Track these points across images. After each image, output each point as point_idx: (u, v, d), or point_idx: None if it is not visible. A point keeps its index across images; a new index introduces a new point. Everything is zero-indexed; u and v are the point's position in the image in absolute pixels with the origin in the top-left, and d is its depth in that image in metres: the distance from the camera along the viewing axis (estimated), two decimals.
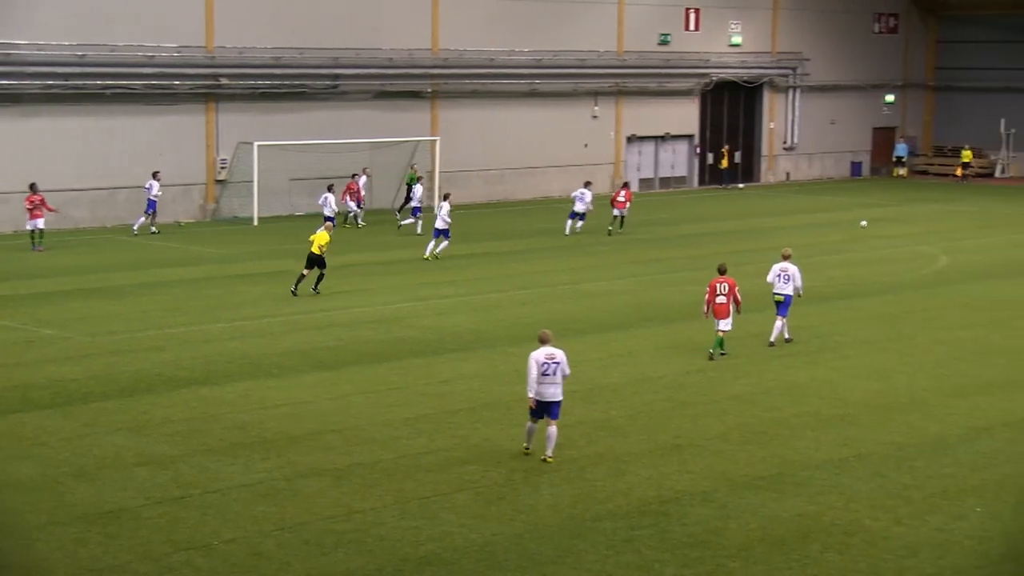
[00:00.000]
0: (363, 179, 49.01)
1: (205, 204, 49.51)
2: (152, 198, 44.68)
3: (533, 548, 16.51)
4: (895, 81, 73.52)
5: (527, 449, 20.24)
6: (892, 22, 73.10)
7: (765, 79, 67.23)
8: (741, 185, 66.17)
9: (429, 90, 54.88)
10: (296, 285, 33.78)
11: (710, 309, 26.84)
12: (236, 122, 49.53)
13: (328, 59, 51.49)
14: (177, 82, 48.12)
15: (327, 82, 51.70)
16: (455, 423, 22.10)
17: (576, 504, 18.14)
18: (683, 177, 65.37)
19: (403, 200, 49.96)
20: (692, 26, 64.03)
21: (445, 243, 40.37)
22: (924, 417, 22.82)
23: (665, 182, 64.56)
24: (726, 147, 65.66)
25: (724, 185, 65.08)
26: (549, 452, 19.89)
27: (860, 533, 17.04)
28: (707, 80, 64.54)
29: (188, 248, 42.58)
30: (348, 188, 47.50)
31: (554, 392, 19.67)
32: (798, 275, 27.99)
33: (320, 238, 33.79)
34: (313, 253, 33.69)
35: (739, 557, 16.25)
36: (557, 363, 19.62)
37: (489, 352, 27.44)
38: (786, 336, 28.47)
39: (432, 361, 26.71)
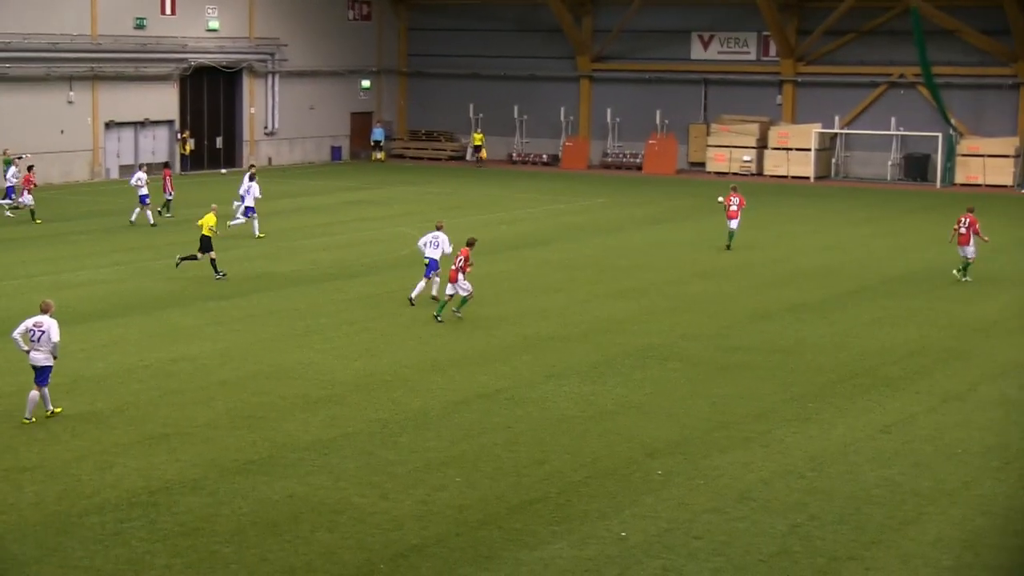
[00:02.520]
0: (12, 170, 45.39)
1: None
2: None
3: (16, 549, 15.98)
4: (370, 67, 75.37)
5: (28, 419, 20.98)
6: (365, 10, 74.85)
7: (244, 64, 67.21)
8: (224, 171, 65.87)
9: None
10: (181, 260, 34.57)
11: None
12: None
13: None
14: None
15: None
16: None
17: (61, 500, 17.70)
18: (165, 163, 64.16)
19: None
20: (169, 10, 63.13)
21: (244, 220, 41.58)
22: (407, 393, 23.73)
23: (147, 168, 63.18)
24: (185, 133, 65.02)
25: (184, 172, 64.27)
26: (27, 414, 20.96)
27: (349, 511, 17.57)
28: (186, 65, 63.78)
29: None
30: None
31: (39, 358, 21.09)
32: (446, 241, 31.21)
33: (208, 220, 33.82)
34: (204, 236, 33.74)
35: (232, 542, 16.39)
36: (43, 331, 20.88)
37: None
38: (435, 295, 30.75)
39: None
